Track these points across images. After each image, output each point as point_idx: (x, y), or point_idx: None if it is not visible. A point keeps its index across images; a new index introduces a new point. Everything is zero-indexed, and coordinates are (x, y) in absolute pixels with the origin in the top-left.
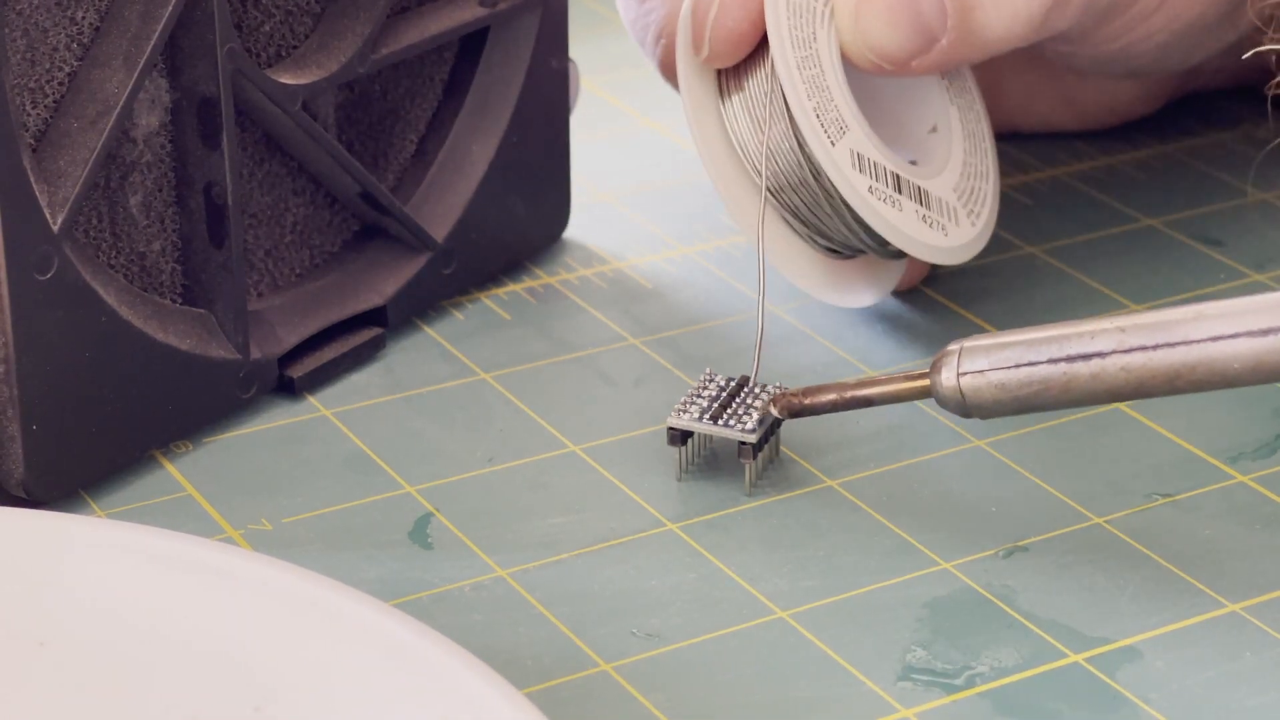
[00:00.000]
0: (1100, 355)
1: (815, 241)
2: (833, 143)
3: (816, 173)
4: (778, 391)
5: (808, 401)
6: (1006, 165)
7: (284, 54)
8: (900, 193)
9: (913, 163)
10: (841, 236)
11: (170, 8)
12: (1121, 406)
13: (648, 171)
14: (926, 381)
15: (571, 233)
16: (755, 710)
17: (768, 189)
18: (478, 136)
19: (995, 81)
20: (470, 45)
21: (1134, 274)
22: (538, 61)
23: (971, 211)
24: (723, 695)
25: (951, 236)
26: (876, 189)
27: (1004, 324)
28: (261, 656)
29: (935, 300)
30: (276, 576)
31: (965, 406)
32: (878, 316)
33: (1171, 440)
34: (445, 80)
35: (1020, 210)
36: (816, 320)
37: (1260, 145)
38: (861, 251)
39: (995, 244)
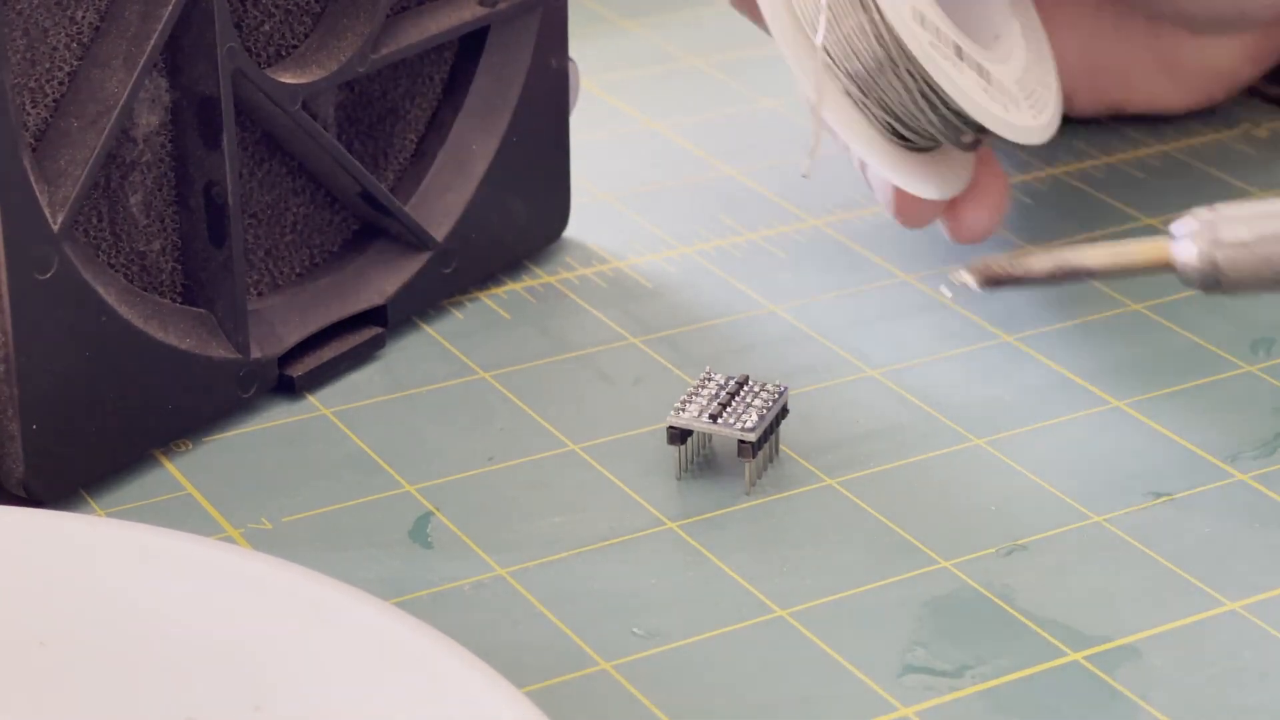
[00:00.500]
0: None
1: (881, 124)
2: None
3: (878, 26)
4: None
5: (1016, 271)
6: (1004, 164)
7: (284, 54)
8: (961, 60)
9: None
10: (903, 106)
11: (170, 7)
12: (1121, 405)
13: (648, 171)
14: (1164, 252)
15: (571, 233)
16: (755, 709)
17: (828, 52)
18: (478, 136)
19: (1091, 57)
20: (470, 45)
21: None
22: (538, 61)
23: (1033, 106)
24: (723, 694)
25: (1012, 115)
26: (938, 47)
27: (1004, 324)
28: (261, 656)
29: (935, 300)
30: (276, 576)
31: (1216, 280)
32: (877, 316)
33: (1171, 439)
34: (445, 80)
35: (1020, 210)
36: (816, 320)
37: (1260, 145)
38: (929, 143)
39: (995, 244)
